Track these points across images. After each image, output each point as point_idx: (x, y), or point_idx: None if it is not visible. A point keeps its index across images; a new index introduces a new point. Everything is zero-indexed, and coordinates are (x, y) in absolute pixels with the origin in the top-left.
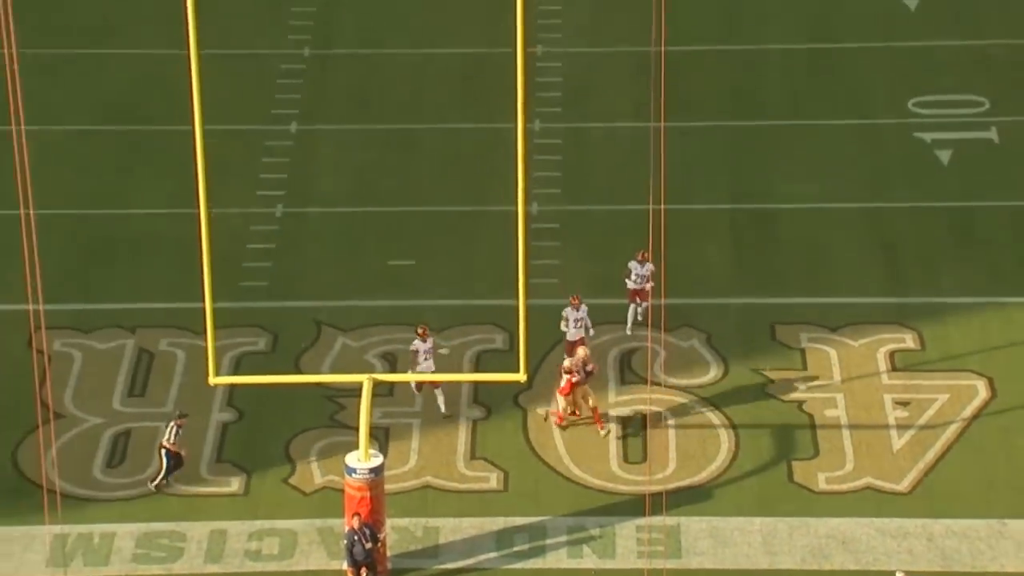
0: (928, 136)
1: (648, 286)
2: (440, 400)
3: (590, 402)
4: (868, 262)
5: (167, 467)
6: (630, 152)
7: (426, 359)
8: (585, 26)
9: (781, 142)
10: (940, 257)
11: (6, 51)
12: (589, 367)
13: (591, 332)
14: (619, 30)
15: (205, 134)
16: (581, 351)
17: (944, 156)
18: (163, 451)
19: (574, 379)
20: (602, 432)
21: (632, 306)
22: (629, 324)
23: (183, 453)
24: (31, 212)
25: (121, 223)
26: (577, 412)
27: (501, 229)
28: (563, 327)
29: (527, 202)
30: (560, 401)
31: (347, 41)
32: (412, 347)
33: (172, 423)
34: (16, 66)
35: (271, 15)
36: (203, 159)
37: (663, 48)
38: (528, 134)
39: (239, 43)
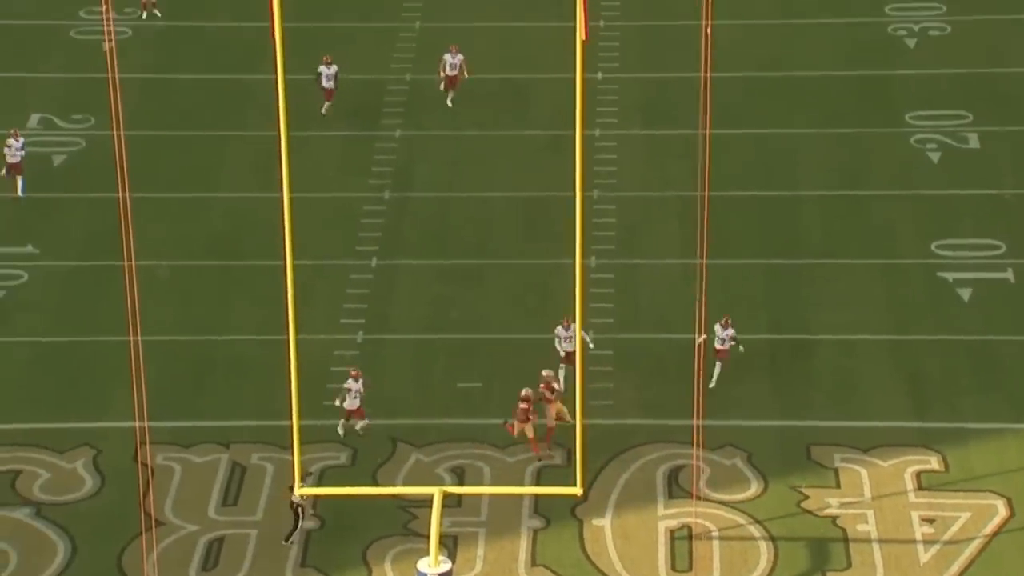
0: (950, 276)
1: (729, 346)
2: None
3: (555, 419)
4: (896, 389)
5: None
6: (677, 286)
7: (355, 398)
8: (637, 172)
9: (815, 279)
10: (962, 386)
11: (120, 195)
12: (556, 386)
13: (590, 345)
14: (667, 176)
15: (294, 268)
16: (546, 372)
17: (965, 294)
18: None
19: (531, 407)
20: (538, 459)
21: (719, 363)
22: (714, 379)
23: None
24: (138, 339)
25: (218, 348)
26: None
27: (559, 355)
28: (557, 345)
29: (584, 330)
30: (528, 429)
31: (422, 185)
32: (345, 385)
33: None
34: (128, 208)
35: (355, 163)
36: (292, 290)
37: (707, 192)
38: (585, 269)
39: (327, 187)
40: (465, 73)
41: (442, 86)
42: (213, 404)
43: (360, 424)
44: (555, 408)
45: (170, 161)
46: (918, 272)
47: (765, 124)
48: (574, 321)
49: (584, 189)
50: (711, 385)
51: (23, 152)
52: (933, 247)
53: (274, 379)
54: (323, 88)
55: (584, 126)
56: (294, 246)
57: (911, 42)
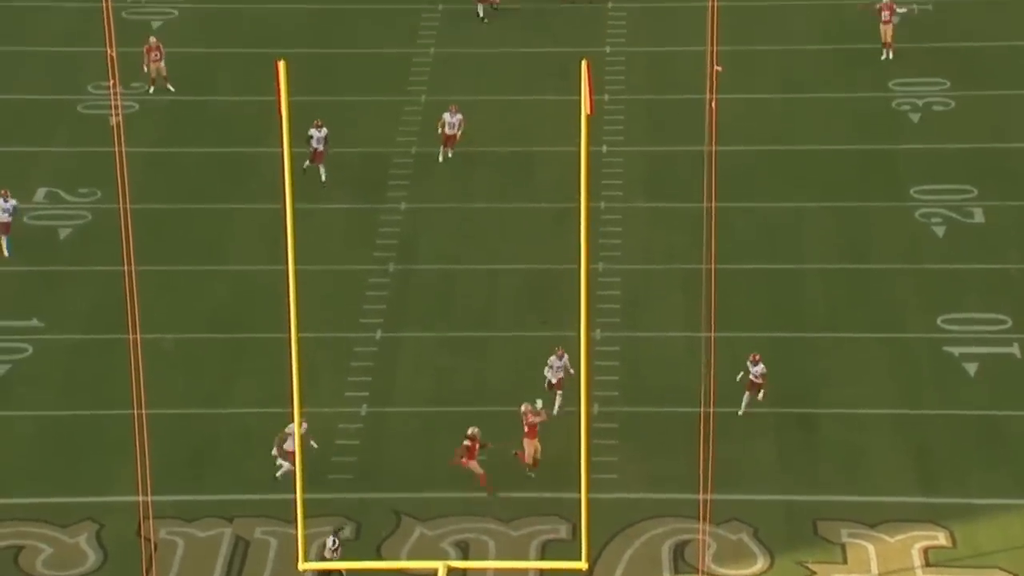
0: (956, 350)
1: (761, 381)
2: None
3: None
4: (903, 464)
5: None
6: (682, 359)
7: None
8: (641, 245)
9: (821, 352)
10: (969, 461)
11: (125, 268)
12: (532, 419)
13: (571, 372)
14: (672, 249)
15: (299, 341)
16: (524, 406)
17: (971, 368)
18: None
19: (475, 446)
20: (488, 495)
21: (747, 395)
22: (743, 406)
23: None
24: (143, 412)
25: (222, 421)
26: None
27: (564, 429)
28: (547, 373)
29: (589, 403)
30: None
31: (427, 257)
32: (287, 430)
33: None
34: (134, 280)
35: (360, 235)
36: (297, 364)
37: (712, 265)
38: (590, 342)
39: (331, 259)
40: (461, 129)
41: (441, 146)
42: (217, 478)
43: (282, 471)
44: (533, 446)
45: (176, 234)
46: (924, 346)
47: (769, 197)
48: (566, 352)
49: (589, 261)
50: (739, 412)
51: (11, 213)
52: (939, 321)
53: None
54: (313, 149)
55: (589, 199)
56: (299, 319)
57: (915, 117)
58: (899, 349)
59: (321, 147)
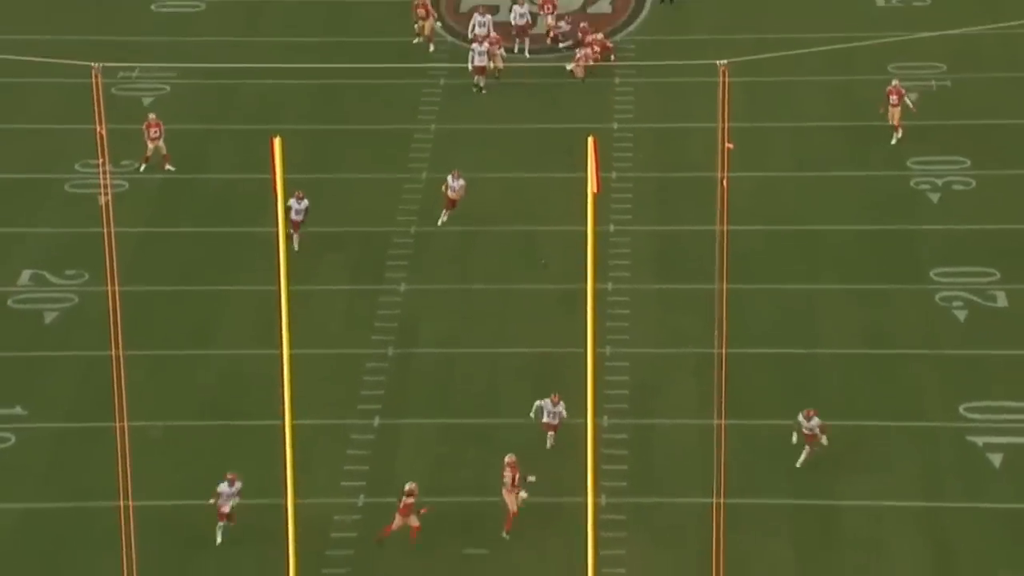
0: (980, 440)
1: (818, 432)
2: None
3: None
4: (924, 559)
5: None
6: (694, 448)
7: (228, 500)
8: (651, 328)
9: (839, 442)
10: (994, 557)
11: (112, 352)
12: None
13: (563, 416)
14: (683, 333)
15: (293, 428)
16: (508, 458)
17: (996, 459)
18: None
19: (409, 501)
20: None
21: (807, 449)
22: (801, 461)
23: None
24: (130, 503)
25: (213, 513)
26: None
27: (571, 520)
28: (544, 417)
29: (596, 494)
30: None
31: (428, 341)
32: (219, 489)
33: None
34: (122, 365)
35: (358, 318)
36: (291, 453)
37: (724, 350)
38: (597, 429)
39: (328, 343)
40: (463, 195)
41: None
42: (207, 572)
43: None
44: (516, 495)
45: (166, 317)
46: (946, 436)
47: (784, 279)
48: (562, 399)
49: (596, 345)
50: (797, 465)
51: None
52: (961, 410)
53: (272, 545)
54: (291, 220)
55: (596, 280)
56: (293, 405)
57: (934, 196)
58: (920, 438)
59: (300, 218)
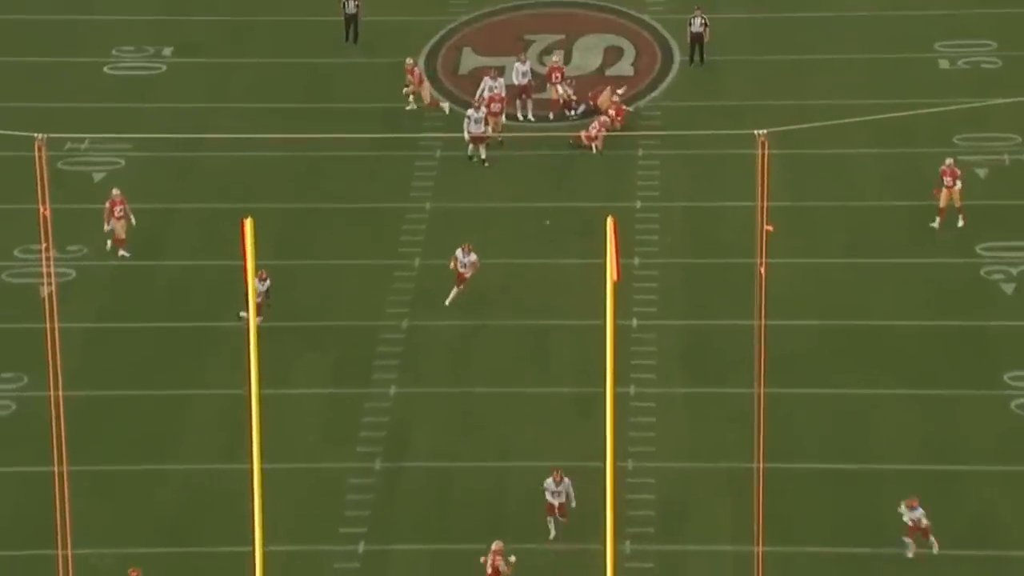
0: None
1: (923, 524)
2: None
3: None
4: None
5: None
6: None
7: None
8: (679, 439)
9: (901, 572)
10: None
11: (55, 468)
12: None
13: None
14: (716, 444)
15: (264, 556)
16: (496, 545)
17: None
18: None
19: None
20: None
21: (911, 541)
22: (910, 551)
23: None
24: None
25: None
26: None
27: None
28: (548, 497)
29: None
30: None
31: (420, 453)
32: None
33: None
34: (65, 483)
35: (341, 426)
36: None
37: (762, 464)
38: (618, 557)
39: (305, 456)
40: (474, 271)
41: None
42: None
43: None
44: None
45: (117, 426)
46: (1021, 568)
47: (833, 383)
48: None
49: (616, 458)
50: (909, 555)
51: None
52: None
53: None
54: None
55: (616, 382)
56: (264, 528)
57: (1008, 288)
58: (996, 570)
59: (260, 300)
